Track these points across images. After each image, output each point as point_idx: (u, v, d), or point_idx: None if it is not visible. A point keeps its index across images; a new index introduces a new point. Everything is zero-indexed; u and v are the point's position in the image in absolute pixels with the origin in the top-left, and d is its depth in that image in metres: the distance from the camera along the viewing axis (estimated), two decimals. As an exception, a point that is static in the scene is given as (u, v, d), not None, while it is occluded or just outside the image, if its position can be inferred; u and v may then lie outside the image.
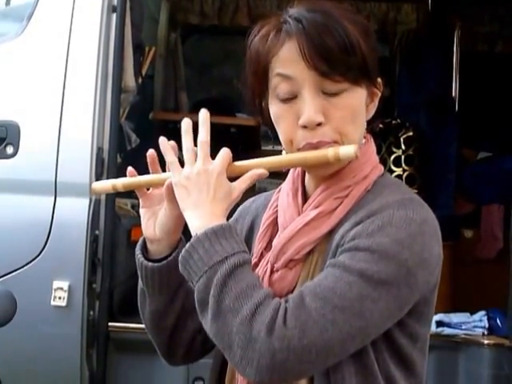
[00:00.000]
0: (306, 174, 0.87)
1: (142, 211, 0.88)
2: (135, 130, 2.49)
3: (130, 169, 0.88)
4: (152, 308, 0.88)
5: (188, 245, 0.77)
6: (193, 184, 0.79)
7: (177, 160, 0.82)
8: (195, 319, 0.85)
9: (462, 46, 3.14)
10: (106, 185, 0.90)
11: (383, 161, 2.79)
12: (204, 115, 0.82)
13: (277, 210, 0.87)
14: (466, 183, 2.87)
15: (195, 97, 3.41)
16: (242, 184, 0.81)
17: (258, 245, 0.87)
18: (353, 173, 0.82)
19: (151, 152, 0.86)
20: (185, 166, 0.80)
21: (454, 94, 3.18)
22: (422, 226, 0.77)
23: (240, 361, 0.73)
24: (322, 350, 0.72)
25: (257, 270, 0.85)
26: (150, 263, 0.86)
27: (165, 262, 0.86)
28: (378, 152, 0.88)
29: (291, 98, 0.80)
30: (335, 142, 0.80)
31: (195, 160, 0.80)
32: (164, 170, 0.87)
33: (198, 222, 0.78)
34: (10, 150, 1.87)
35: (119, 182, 0.88)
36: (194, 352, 0.92)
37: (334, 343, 0.73)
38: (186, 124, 0.82)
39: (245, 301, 0.73)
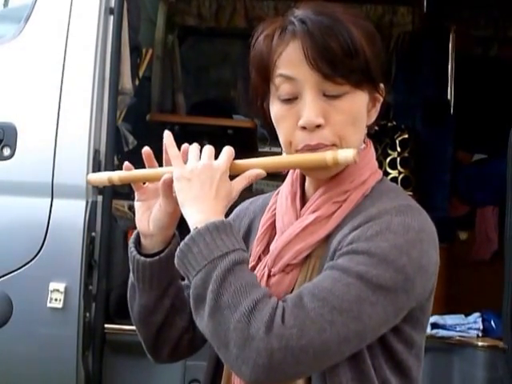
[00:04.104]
0: (306, 176, 0.87)
1: (137, 205, 0.88)
2: (132, 132, 2.49)
3: (126, 163, 0.88)
4: (141, 303, 0.88)
5: (187, 238, 0.76)
6: (196, 177, 0.79)
7: (180, 154, 0.82)
8: (183, 318, 0.86)
9: (456, 49, 3.16)
10: (102, 177, 0.90)
11: (379, 163, 2.79)
12: (168, 136, 0.84)
13: (275, 213, 0.87)
14: (461, 185, 2.88)
15: (192, 99, 3.42)
16: (239, 184, 0.81)
17: (256, 248, 0.87)
18: (351, 177, 0.83)
19: (146, 149, 0.86)
20: (188, 162, 0.80)
21: (449, 97, 3.20)
22: (420, 233, 0.77)
23: (235, 360, 0.72)
24: (319, 350, 0.72)
25: (254, 273, 0.84)
26: (142, 257, 0.86)
27: (157, 257, 0.85)
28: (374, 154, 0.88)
29: (292, 99, 0.80)
30: (334, 145, 0.80)
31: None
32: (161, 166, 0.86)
33: (199, 216, 0.77)
34: (6, 151, 1.87)
35: (115, 175, 0.88)
36: (180, 351, 0.91)
37: (331, 345, 0.72)
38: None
39: (244, 297, 0.72)
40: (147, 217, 0.86)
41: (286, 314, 0.72)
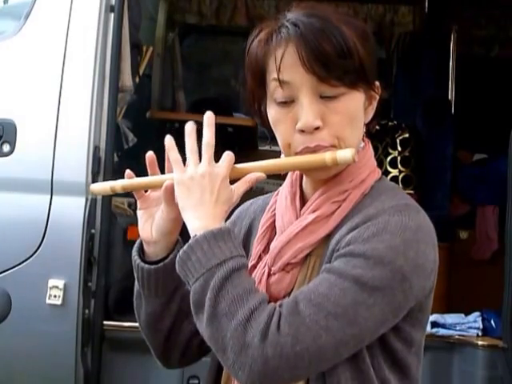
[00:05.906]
0: (304, 177, 0.87)
1: (139, 213, 0.88)
2: (132, 129, 2.48)
3: (127, 171, 0.88)
4: (148, 310, 0.88)
5: (186, 246, 0.77)
6: (196, 184, 0.79)
7: (180, 158, 0.82)
8: (191, 322, 0.85)
9: (458, 48, 3.16)
10: (105, 186, 0.90)
11: (379, 162, 2.80)
12: (209, 118, 0.83)
13: (275, 213, 0.87)
14: (462, 184, 2.88)
15: (192, 96, 3.41)
16: (240, 187, 0.81)
17: (256, 247, 0.87)
18: (350, 177, 0.83)
19: (150, 154, 0.86)
20: (189, 166, 0.80)
21: (450, 96, 3.20)
22: (417, 232, 0.77)
23: (232, 365, 0.74)
24: (315, 356, 0.73)
25: (254, 272, 0.85)
26: (147, 265, 0.86)
27: (161, 263, 0.85)
28: (375, 153, 0.88)
29: (289, 103, 0.80)
30: (333, 146, 0.80)
31: (199, 161, 0.80)
32: (163, 172, 0.87)
33: (198, 222, 0.78)
34: (6, 148, 1.87)
35: (118, 184, 0.88)
36: (190, 355, 0.92)
37: (327, 349, 0.73)
38: (190, 126, 0.83)
39: (240, 305, 0.73)
40: (150, 224, 0.86)
41: (282, 321, 0.73)
